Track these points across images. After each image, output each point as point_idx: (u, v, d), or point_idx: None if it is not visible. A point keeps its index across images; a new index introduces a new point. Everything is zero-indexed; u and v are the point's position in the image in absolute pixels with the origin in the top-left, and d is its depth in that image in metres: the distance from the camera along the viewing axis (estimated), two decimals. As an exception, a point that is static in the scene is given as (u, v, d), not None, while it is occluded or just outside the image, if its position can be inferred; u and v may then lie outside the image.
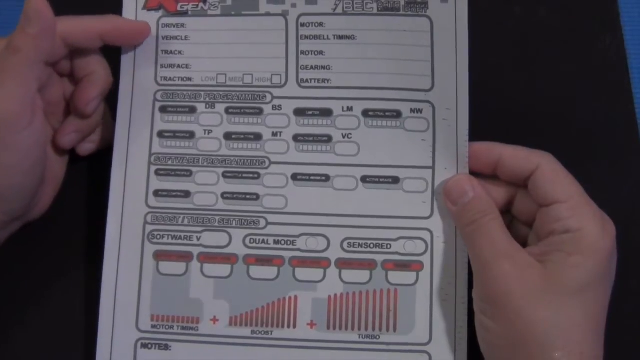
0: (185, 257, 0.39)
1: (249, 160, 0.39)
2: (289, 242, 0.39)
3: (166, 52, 0.40)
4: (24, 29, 0.34)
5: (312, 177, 0.39)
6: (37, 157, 0.37)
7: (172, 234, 0.39)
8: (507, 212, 0.39)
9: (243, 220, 0.39)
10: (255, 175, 0.39)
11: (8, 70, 0.35)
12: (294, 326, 0.38)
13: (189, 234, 0.39)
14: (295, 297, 0.38)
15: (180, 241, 0.39)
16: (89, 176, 0.43)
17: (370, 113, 0.39)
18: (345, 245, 0.38)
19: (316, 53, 0.40)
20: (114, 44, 0.39)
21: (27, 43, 0.34)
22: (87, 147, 0.41)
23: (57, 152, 0.41)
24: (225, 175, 0.39)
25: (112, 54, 0.40)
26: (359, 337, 0.38)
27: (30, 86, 0.35)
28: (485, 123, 0.40)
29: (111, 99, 0.40)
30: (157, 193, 0.39)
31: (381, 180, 0.39)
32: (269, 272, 0.38)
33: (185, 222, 0.39)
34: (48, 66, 0.37)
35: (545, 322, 0.33)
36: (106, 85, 0.39)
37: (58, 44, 0.37)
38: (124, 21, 0.40)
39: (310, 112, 0.40)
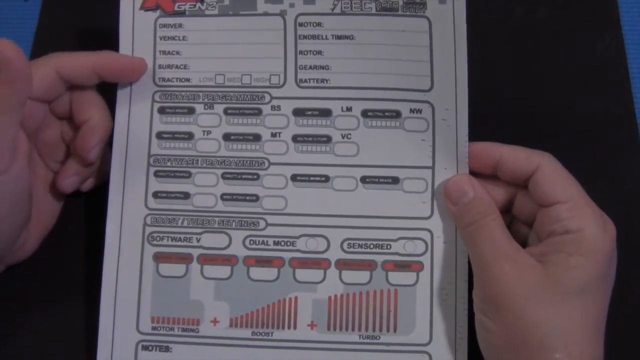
0: (185, 259, 0.40)
1: (248, 161, 0.40)
2: (288, 243, 0.39)
3: (164, 52, 0.41)
4: None
5: (311, 178, 0.40)
6: (14, 203, 0.36)
7: (172, 235, 0.40)
8: (507, 211, 0.39)
9: (243, 222, 0.40)
10: (255, 176, 0.40)
11: None
12: (295, 327, 0.39)
13: (188, 236, 0.40)
14: (296, 298, 0.39)
15: (180, 243, 0.40)
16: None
17: (370, 113, 0.40)
18: (345, 245, 0.39)
19: (315, 53, 0.40)
20: (109, 80, 0.40)
21: (1, 90, 0.34)
22: (89, 183, 0.42)
23: (52, 194, 0.41)
24: (224, 176, 0.40)
25: None
26: (360, 338, 0.38)
27: (7, 132, 0.34)
28: (486, 123, 0.41)
29: (110, 99, 0.41)
30: (156, 194, 0.40)
31: (381, 180, 0.39)
32: (269, 273, 0.39)
33: (185, 223, 0.40)
34: (43, 103, 0.38)
35: (546, 322, 0.33)
36: (106, 130, 0.40)
37: (53, 79, 0.38)
38: (119, 57, 0.40)
39: (309, 113, 0.40)
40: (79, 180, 0.41)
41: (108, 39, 0.41)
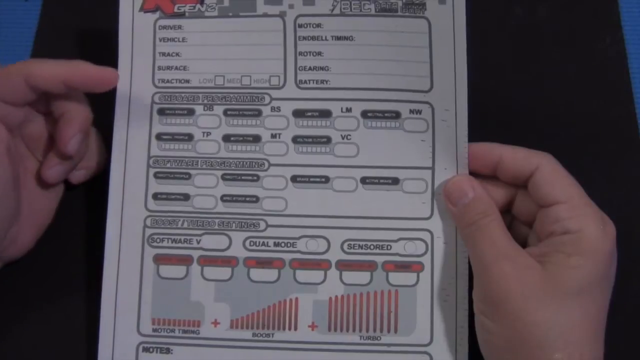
0: (186, 261, 0.40)
1: (248, 163, 0.41)
2: (289, 244, 0.40)
3: (163, 54, 0.41)
4: None
5: (311, 179, 0.40)
6: None
7: (172, 237, 0.40)
8: (507, 212, 0.40)
9: (243, 223, 0.40)
10: (255, 178, 0.40)
11: None
12: (295, 328, 0.39)
13: (188, 237, 0.40)
14: (296, 299, 0.39)
15: (180, 244, 0.40)
16: (89, 180, 0.43)
17: (369, 114, 0.40)
18: (345, 246, 0.40)
19: (314, 54, 0.41)
20: (79, 90, 0.40)
21: None
22: (79, 175, 0.42)
23: (44, 189, 0.41)
24: (224, 177, 0.40)
25: (108, 58, 0.41)
26: (360, 339, 0.39)
27: None
28: (486, 123, 0.41)
29: (109, 101, 0.41)
30: (156, 196, 0.40)
31: (381, 181, 0.40)
32: (270, 274, 0.40)
33: (185, 225, 0.40)
34: (21, 107, 0.39)
35: (545, 323, 0.34)
36: (84, 122, 0.40)
37: (22, 87, 0.38)
38: (90, 68, 0.39)
39: (309, 114, 0.41)
40: (63, 170, 0.40)
41: (108, 39, 0.42)
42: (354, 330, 0.39)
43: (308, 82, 0.41)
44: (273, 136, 0.41)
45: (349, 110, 0.40)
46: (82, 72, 0.39)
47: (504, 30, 0.48)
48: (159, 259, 0.40)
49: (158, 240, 0.40)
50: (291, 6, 0.41)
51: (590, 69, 0.47)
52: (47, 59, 0.39)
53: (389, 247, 0.39)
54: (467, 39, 0.40)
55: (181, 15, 0.41)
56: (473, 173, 0.39)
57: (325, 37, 0.41)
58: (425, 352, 0.39)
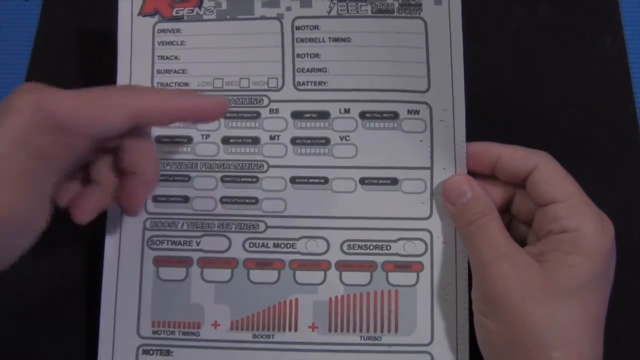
0: (185, 262, 0.41)
1: (247, 164, 0.41)
2: (288, 245, 0.41)
3: (162, 57, 0.42)
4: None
5: (310, 180, 0.41)
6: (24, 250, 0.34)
7: (172, 239, 0.41)
8: (506, 211, 0.40)
9: (242, 224, 0.41)
10: (254, 179, 0.41)
11: (24, 173, 0.31)
12: (296, 329, 0.40)
13: (188, 239, 0.41)
14: (296, 300, 0.40)
15: (179, 246, 0.41)
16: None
17: (368, 115, 0.41)
18: (345, 247, 0.40)
19: (312, 56, 0.42)
20: (190, 124, 0.40)
21: (56, 148, 0.31)
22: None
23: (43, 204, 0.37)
24: (223, 179, 0.41)
25: (108, 58, 0.42)
26: (361, 339, 0.40)
27: (46, 193, 0.33)
28: (485, 123, 0.42)
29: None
30: (155, 198, 0.41)
31: (380, 181, 0.41)
32: (269, 275, 0.40)
33: (185, 227, 0.41)
34: (95, 141, 0.34)
35: (544, 321, 0.34)
36: (155, 185, 0.38)
37: (121, 118, 0.33)
38: (202, 100, 0.36)
39: (308, 115, 0.42)
40: (96, 212, 0.38)
41: (108, 40, 0.43)
42: (354, 331, 0.40)
43: (306, 83, 0.42)
44: (272, 138, 0.42)
45: (347, 111, 0.41)
46: (198, 104, 0.36)
47: (504, 30, 0.48)
48: (158, 261, 0.41)
49: (158, 242, 0.41)
50: (288, 8, 0.42)
51: (591, 69, 0.47)
52: (152, 88, 0.38)
53: (388, 247, 0.40)
54: (467, 39, 0.40)
55: (179, 18, 0.42)
56: (471, 173, 0.40)
57: (323, 38, 0.42)
58: (426, 352, 0.40)
